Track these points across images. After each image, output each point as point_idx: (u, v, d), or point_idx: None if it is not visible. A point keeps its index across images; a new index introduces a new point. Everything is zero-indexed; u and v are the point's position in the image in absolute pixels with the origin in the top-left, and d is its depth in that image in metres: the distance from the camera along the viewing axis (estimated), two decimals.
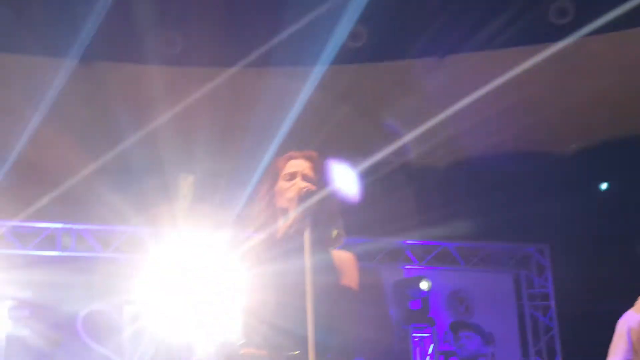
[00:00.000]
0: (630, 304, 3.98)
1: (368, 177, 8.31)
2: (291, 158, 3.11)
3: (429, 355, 8.61)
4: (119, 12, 7.07)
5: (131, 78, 7.52)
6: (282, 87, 7.61)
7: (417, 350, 8.61)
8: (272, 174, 3.10)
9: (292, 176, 3.03)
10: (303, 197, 2.81)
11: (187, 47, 7.37)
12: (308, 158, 3.10)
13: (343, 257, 3.08)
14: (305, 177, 3.02)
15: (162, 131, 7.63)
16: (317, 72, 7.54)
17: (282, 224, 2.99)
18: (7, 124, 7.56)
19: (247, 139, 7.64)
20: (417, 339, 8.61)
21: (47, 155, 7.89)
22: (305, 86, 7.64)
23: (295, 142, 7.74)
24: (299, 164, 3.07)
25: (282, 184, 3.03)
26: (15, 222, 7.75)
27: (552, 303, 8.83)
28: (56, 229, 7.99)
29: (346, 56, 7.62)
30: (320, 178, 3.04)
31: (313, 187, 2.86)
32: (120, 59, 7.47)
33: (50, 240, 7.98)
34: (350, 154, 8.20)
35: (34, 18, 7.00)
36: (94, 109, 7.59)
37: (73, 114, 7.54)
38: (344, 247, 7.66)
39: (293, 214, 2.84)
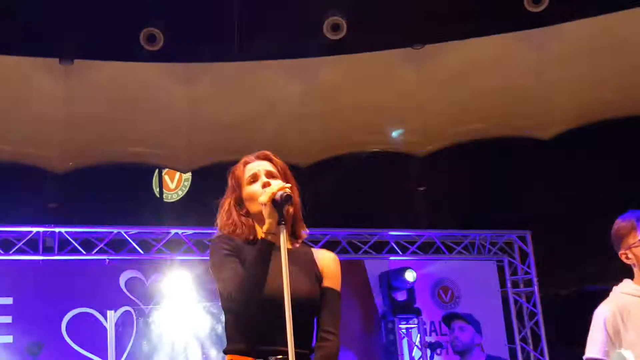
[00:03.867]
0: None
1: (350, 169, 8.39)
2: (246, 163, 3.07)
3: (416, 346, 8.65)
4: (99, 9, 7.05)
5: (113, 76, 7.49)
6: (266, 80, 7.63)
7: (404, 341, 8.65)
8: (235, 184, 3.05)
9: (254, 177, 2.99)
10: (278, 200, 2.75)
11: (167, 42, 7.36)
12: (264, 158, 3.07)
13: (326, 257, 3.07)
14: (269, 174, 2.98)
15: (146, 129, 7.59)
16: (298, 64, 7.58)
17: (255, 227, 2.96)
18: None
19: (234, 135, 7.64)
20: (403, 330, 8.65)
21: (28, 157, 7.80)
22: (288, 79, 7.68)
23: (277, 136, 7.80)
24: (257, 165, 3.03)
25: (248, 189, 2.98)
26: None
27: (535, 289, 8.93)
28: (38, 232, 7.86)
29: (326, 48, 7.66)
30: (280, 174, 3.02)
31: (287, 189, 2.79)
32: (101, 57, 7.44)
33: (32, 244, 7.85)
34: (331, 147, 8.26)
35: (12, 17, 6.94)
36: (75, 108, 7.53)
37: (54, 113, 7.47)
38: (330, 240, 7.64)
39: (269, 219, 2.76)
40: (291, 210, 2.89)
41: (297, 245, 3.04)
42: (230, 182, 3.08)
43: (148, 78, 7.61)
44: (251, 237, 2.95)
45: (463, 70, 7.81)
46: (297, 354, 2.62)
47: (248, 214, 2.99)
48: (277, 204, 2.75)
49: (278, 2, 7.40)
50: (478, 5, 7.77)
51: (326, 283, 2.99)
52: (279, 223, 2.74)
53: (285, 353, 2.64)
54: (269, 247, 2.77)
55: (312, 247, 3.16)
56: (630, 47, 7.72)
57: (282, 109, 7.71)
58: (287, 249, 2.73)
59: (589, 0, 7.70)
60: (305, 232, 3.05)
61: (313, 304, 2.91)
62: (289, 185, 2.84)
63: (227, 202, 3.04)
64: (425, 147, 8.03)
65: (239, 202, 3.01)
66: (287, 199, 2.75)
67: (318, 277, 2.98)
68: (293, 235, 3.02)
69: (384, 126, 7.90)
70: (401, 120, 7.92)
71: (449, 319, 7.15)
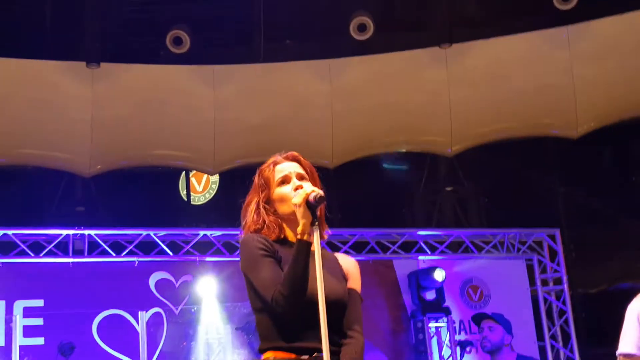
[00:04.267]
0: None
1: (379, 169, 8.36)
2: (276, 164, 3.05)
3: (445, 345, 8.62)
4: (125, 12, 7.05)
5: (139, 78, 7.50)
6: (293, 81, 7.59)
7: (434, 340, 8.62)
8: (263, 184, 3.03)
9: (285, 179, 2.99)
10: (312, 202, 2.76)
11: (193, 45, 7.36)
12: (293, 159, 3.06)
13: (348, 262, 3.10)
14: (299, 176, 2.98)
15: (173, 131, 7.60)
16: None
17: (284, 228, 2.98)
18: (14, 128, 7.50)
19: (261, 137, 7.62)
20: (433, 329, 8.62)
21: (56, 160, 7.84)
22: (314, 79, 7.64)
23: (305, 137, 7.77)
24: (287, 167, 3.02)
25: (278, 190, 2.98)
26: (27, 230, 7.69)
27: (565, 287, 8.87)
28: (68, 235, 7.90)
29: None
30: (309, 175, 3.02)
31: (321, 192, 2.80)
32: (127, 60, 7.45)
33: (62, 246, 7.90)
34: (359, 148, 8.22)
35: (40, 22, 6.96)
36: (102, 110, 7.54)
37: (81, 116, 7.49)
38: (358, 240, 7.59)
39: (303, 220, 2.76)
40: (319, 212, 2.90)
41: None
42: (258, 181, 3.06)
43: (174, 80, 7.60)
44: (281, 237, 2.96)
45: (491, 69, 7.73)
46: (332, 352, 2.71)
47: (276, 214, 3.00)
48: (311, 205, 2.77)
49: (304, 2, 7.36)
50: (506, 4, 7.68)
51: (350, 285, 3.03)
52: (312, 224, 2.76)
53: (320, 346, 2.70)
54: (308, 248, 2.77)
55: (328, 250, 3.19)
56: None
57: (309, 110, 7.68)
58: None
59: None
60: (327, 233, 3.07)
61: (345, 303, 2.94)
62: (319, 192, 2.84)
63: (254, 201, 3.03)
64: (453, 147, 7.96)
65: (268, 202, 3.01)
66: (320, 200, 2.78)
67: (345, 278, 3.02)
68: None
69: (412, 126, 7.82)
70: (429, 120, 7.85)
71: (478, 318, 7.11)
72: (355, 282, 3.04)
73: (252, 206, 3.02)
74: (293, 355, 2.81)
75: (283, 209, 2.96)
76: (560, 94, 7.91)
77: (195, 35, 7.38)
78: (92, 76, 7.46)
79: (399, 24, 7.65)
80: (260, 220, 2.97)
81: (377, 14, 7.44)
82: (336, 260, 3.07)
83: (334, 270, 2.98)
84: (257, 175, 3.08)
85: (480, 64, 7.80)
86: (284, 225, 2.98)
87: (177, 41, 7.41)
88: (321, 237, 2.95)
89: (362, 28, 7.43)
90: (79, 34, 7.24)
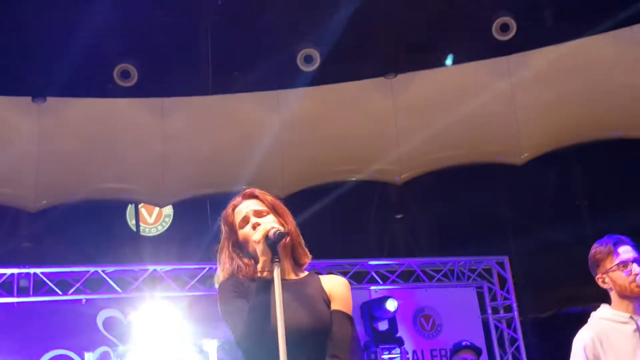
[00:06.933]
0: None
1: (328, 199, 8.40)
2: (235, 206, 3.08)
3: None
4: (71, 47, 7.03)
5: (87, 112, 7.45)
6: (241, 113, 7.64)
7: None
8: (229, 229, 3.05)
9: (245, 220, 3.00)
10: (271, 239, 2.78)
11: (141, 78, 7.37)
12: (249, 196, 3.09)
13: (333, 282, 3.03)
14: (257, 214, 2.99)
15: (121, 165, 7.54)
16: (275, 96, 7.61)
17: (252, 266, 2.95)
18: None
19: (211, 169, 7.61)
20: None
21: (0, 195, 7.69)
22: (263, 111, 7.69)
23: (254, 168, 7.79)
24: (244, 207, 3.04)
25: (241, 232, 3.00)
26: None
27: (515, 314, 8.95)
28: (12, 274, 7.70)
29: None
30: (269, 208, 3.03)
31: (281, 228, 2.82)
32: (74, 94, 7.42)
33: (6, 285, 7.69)
34: (308, 178, 8.27)
35: None
36: (49, 145, 7.46)
37: (27, 151, 7.39)
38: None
39: (262, 257, 2.78)
40: (288, 241, 2.92)
41: (302, 274, 3.03)
42: (223, 228, 3.07)
43: (122, 114, 7.59)
44: (256, 276, 2.89)
45: (436, 98, 7.91)
46: None
47: (248, 255, 2.99)
48: (270, 241, 2.78)
49: (251, 35, 7.46)
50: (448, 35, 7.90)
51: (333, 306, 2.96)
52: (272, 261, 2.76)
53: None
54: (266, 285, 2.77)
55: (320, 274, 3.11)
56: (594, 72, 7.90)
57: (258, 141, 7.72)
58: (292, 280, 2.85)
59: (554, 28, 7.88)
60: (307, 259, 3.04)
61: (321, 331, 2.87)
62: (279, 227, 2.82)
63: (225, 248, 3.03)
64: (402, 175, 8.06)
65: (238, 246, 3.02)
66: (280, 236, 2.78)
67: (326, 302, 2.96)
68: (296, 264, 3.03)
69: (360, 155, 7.92)
70: (377, 149, 7.96)
71: (455, 350, 7.12)
72: (339, 302, 2.96)
73: (225, 252, 3.03)
74: None
75: (251, 248, 2.95)
76: (503, 121, 8.12)
77: (142, 68, 7.40)
78: (38, 111, 7.40)
79: (345, 55, 7.78)
80: (235, 265, 2.98)
81: (323, 45, 7.57)
82: (318, 284, 3.01)
83: (311, 298, 2.93)
84: (221, 222, 3.09)
85: (425, 93, 7.97)
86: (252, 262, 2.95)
87: (125, 75, 7.42)
88: (301, 264, 3.00)
89: (308, 59, 7.56)
90: (24, 67, 7.20)
